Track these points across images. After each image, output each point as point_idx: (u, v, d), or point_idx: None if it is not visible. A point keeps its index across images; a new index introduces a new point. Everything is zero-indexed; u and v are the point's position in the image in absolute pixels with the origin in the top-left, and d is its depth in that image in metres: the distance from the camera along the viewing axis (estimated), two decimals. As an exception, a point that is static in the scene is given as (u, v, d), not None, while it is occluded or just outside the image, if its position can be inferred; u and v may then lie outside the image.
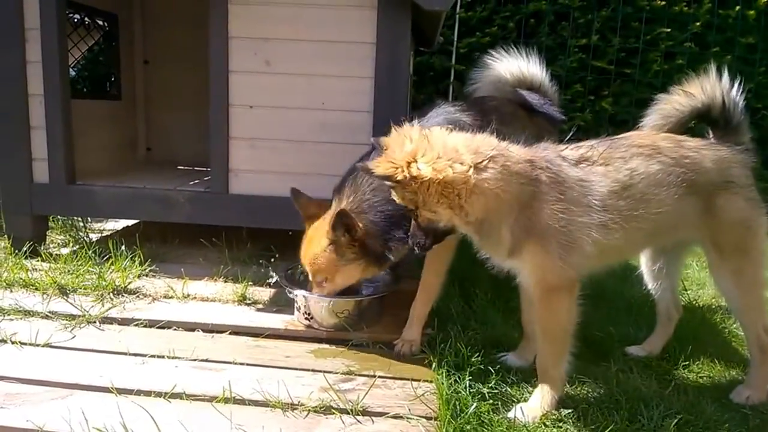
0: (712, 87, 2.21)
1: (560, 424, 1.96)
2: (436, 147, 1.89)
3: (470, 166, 1.86)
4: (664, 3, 5.42)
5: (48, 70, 3.16)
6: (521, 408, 2.00)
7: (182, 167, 4.38)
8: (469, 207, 1.89)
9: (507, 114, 2.76)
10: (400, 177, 1.86)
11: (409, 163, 1.87)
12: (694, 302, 3.33)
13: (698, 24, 5.48)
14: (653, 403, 2.08)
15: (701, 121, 2.31)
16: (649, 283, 2.54)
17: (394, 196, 1.99)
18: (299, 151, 3.10)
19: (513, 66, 2.98)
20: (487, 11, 5.44)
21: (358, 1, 2.93)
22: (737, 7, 5.48)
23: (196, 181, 3.59)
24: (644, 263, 2.53)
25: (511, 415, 1.98)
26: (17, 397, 1.95)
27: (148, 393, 1.99)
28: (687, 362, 2.48)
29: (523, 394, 2.14)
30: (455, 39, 5.37)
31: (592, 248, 1.97)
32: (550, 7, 5.44)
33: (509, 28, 5.42)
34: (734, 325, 3.11)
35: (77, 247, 3.38)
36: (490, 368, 2.26)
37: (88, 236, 3.74)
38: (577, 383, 2.24)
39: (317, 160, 3.07)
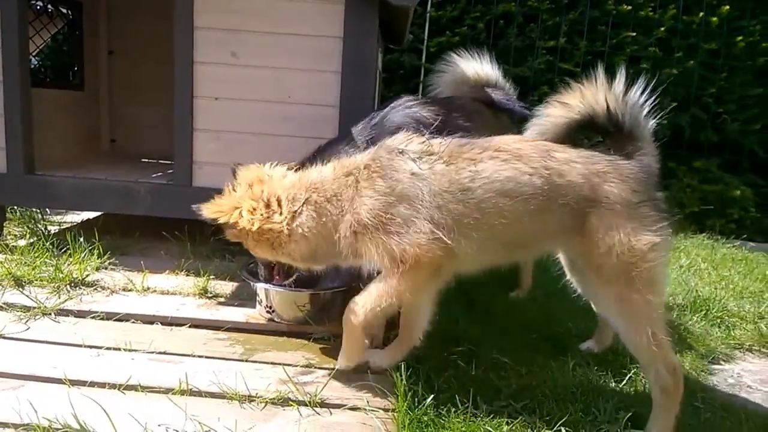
0: (593, 94, 1.99)
1: (516, 415, 1.99)
2: (261, 196, 2.12)
3: (285, 218, 2.09)
4: (630, 8, 5.55)
5: (7, 57, 3.08)
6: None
7: (147, 160, 4.31)
8: (291, 251, 2.13)
9: (472, 111, 2.79)
10: (222, 221, 2.14)
11: (234, 208, 2.13)
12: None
13: (663, 29, 5.61)
14: (607, 396, 2.13)
15: (591, 131, 2.11)
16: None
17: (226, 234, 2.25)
18: (265, 144, 3.08)
19: (468, 68, 3.04)
20: (458, 11, 5.49)
21: (326, -6, 2.93)
22: (701, 14, 5.62)
23: (159, 174, 3.54)
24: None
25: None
26: (-35, 389, 1.90)
27: (102, 385, 1.97)
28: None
29: (480, 387, 2.16)
30: (425, 38, 5.40)
31: (422, 236, 1.93)
32: (519, 8, 5.51)
33: (479, 29, 5.48)
34: (689, 322, 3.22)
35: (35, 239, 3.30)
36: (449, 361, 2.29)
37: (46, 228, 3.65)
38: (534, 376, 2.28)
39: (283, 153, 2.98)
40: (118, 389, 1.95)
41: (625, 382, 2.34)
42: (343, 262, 2.18)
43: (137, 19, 4.49)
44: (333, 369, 2.19)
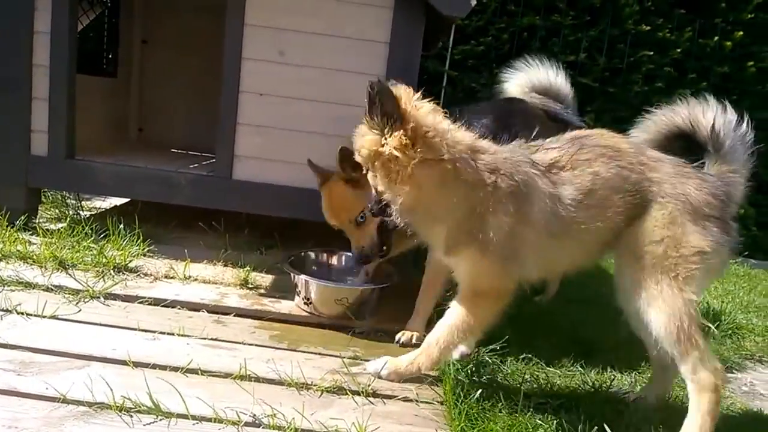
0: (703, 110, 2.07)
1: (555, 413, 2.09)
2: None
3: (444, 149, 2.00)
4: (649, 28, 5.68)
5: (56, 41, 3.12)
6: (385, 362, 2.17)
7: (175, 150, 4.36)
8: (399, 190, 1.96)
9: (532, 117, 2.91)
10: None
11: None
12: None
13: (679, 50, 5.75)
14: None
15: (688, 143, 2.13)
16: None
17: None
18: (306, 142, 3.15)
19: (542, 75, 3.16)
20: (483, 21, 5.57)
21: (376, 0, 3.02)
22: (716, 38, 5.78)
23: (195, 165, 3.60)
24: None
25: (371, 367, 2.18)
26: (32, 366, 1.95)
27: (163, 367, 2.03)
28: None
29: (517, 384, 2.25)
30: (450, 45, 5.48)
31: (536, 263, 2.03)
32: (543, 22, 5.62)
33: (503, 39, 5.57)
34: (725, 328, 3.35)
35: (71, 222, 3.34)
36: (487, 359, 2.39)
37: (80, 213, 3.70)
38: (567, 376, 2.39)
39: (323, 152, 3.10)
40: (180, 372, 2.02)
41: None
42: (427, 240, 2.18)
43: (172, 11, 4.54)
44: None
